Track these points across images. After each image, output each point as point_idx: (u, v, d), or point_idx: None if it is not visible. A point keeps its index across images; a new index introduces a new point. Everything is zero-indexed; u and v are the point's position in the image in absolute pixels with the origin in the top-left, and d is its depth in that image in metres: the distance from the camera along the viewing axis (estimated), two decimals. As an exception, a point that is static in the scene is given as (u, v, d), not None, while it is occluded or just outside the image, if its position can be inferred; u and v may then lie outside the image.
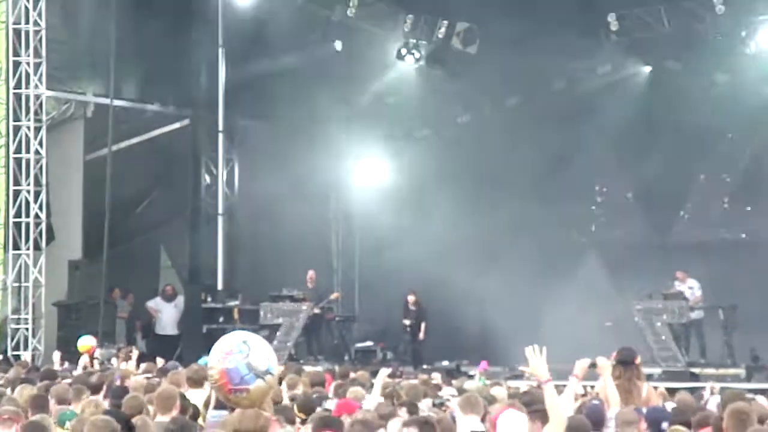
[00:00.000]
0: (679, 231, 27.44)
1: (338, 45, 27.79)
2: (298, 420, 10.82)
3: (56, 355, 19.79)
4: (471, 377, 19.44)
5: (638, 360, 11.77)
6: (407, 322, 25.95)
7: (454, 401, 11.12)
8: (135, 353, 19.37)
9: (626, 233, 28.12)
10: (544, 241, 26.76)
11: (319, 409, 11.26)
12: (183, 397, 11.66)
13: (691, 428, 10.43)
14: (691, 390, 16.34)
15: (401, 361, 25.58)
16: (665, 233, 28.02)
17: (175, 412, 10.86)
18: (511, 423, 9.20)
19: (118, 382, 14.33)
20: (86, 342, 19.64)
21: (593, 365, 11.28)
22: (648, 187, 27.83)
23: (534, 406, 9.32)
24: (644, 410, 10.73)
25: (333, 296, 27.08)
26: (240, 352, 7.42)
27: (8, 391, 13.80)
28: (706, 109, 26.32)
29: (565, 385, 11.31)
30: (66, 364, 19.27)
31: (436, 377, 18.17)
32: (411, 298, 25.97)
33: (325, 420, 9.13)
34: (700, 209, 28.13)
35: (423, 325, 25.80)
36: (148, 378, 14.83)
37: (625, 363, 11.63)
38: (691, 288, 24.40)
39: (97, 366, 19.19)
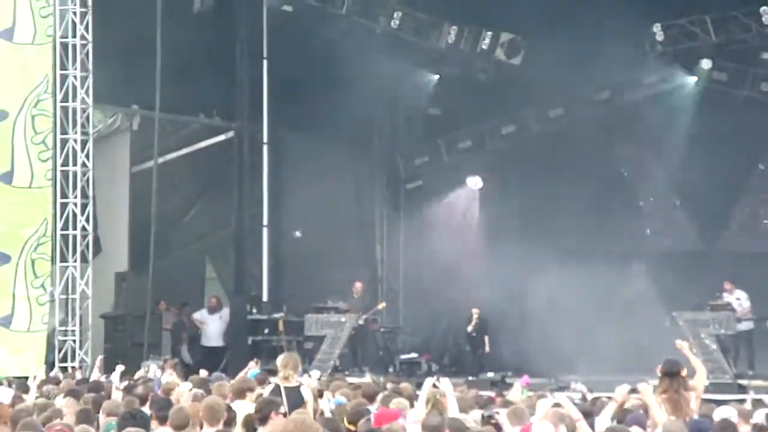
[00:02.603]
0: (728, 241, 27.22)
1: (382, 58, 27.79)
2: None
3: (98, 361, 19.73)
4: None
5: (684, 372, 11.73)
6: (470, 329, 26.26)
7: (502, 413, 11.08)
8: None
9: (673, 243, 27.95)
10: (590, 252, 26.61)
11: (362, 421, 11.24)
12: (229, 408, 11.68)
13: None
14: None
15: (446, 372, 25.50)
16: (713, 243, 27.81)
17: (221, 424, 10.88)
18: None
19: (159, 392, 14.38)
20: None
21: (634, 390, 11.25)
22: (695, 197, 27.63)
23: None
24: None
25: (379, 306, 27.06)
26: None
27: (58, 401, 13.88)
28: (753, 119, 26.15)
29: (609, 397, 11.30)
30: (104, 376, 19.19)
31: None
32: (475, 310, 26.23)
33: None
34: (749, 219, 27.90)
35: (486, 338, 26.13)
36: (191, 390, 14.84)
37: (671, 375, 11.61)
38: (738, 299, 24.17)
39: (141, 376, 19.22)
